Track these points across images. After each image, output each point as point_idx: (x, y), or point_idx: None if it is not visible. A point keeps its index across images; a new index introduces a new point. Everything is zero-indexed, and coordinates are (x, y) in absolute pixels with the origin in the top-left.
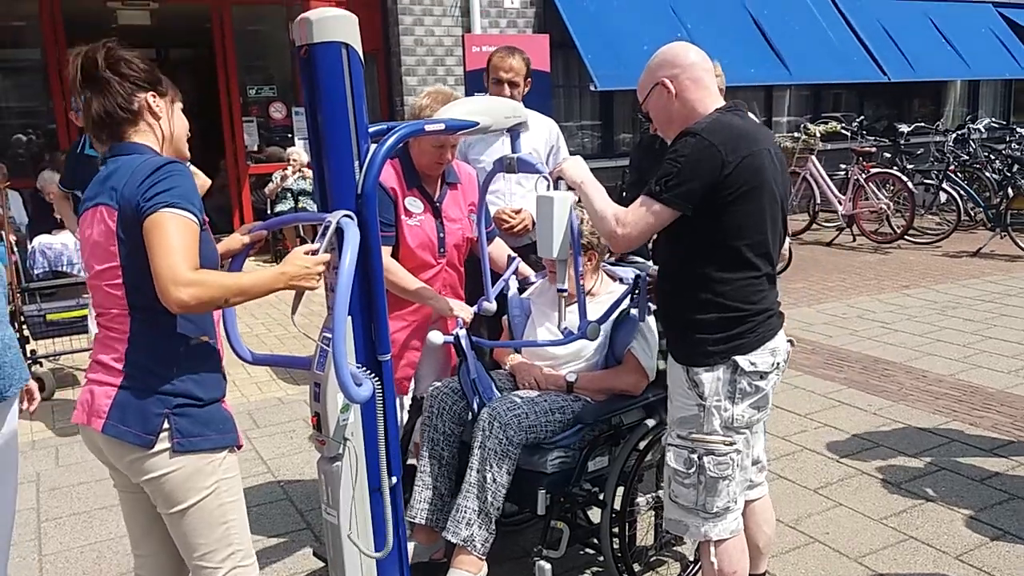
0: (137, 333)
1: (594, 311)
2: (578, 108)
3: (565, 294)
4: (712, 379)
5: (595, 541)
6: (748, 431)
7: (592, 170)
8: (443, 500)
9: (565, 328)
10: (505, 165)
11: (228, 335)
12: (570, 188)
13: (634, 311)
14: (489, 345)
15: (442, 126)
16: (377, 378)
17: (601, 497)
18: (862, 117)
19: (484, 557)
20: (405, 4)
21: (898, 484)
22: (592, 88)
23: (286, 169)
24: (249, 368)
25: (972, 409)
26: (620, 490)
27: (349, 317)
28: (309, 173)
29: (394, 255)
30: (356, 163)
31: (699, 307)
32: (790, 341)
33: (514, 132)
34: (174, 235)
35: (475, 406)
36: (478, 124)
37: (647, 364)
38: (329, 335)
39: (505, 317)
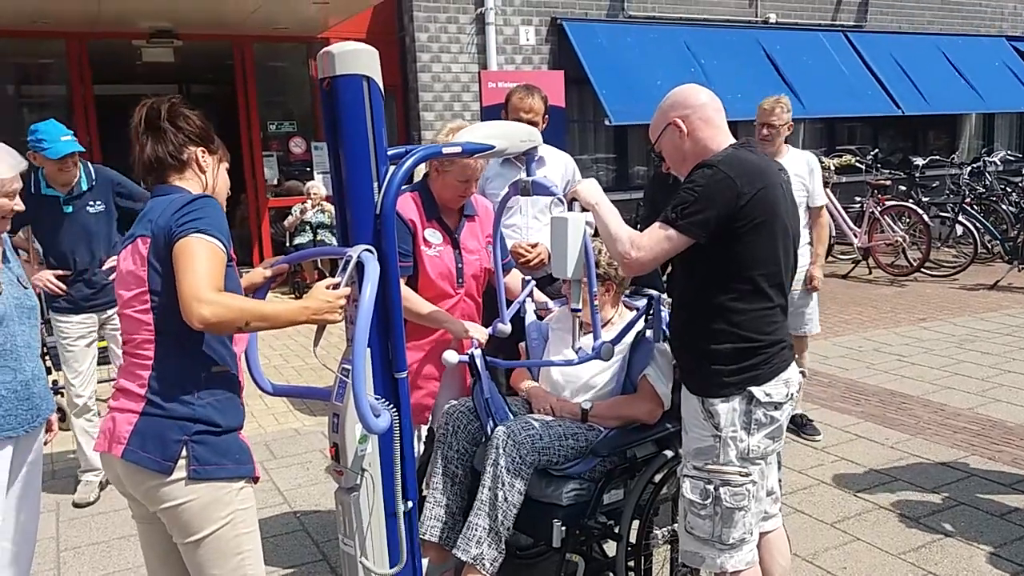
0: (162, 358)
1: (610, 336)
2: (592, 142)
3: (579, 314)
4: (728, 410)
5: (611, 575)
6: (763, 462)
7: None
8: (454, 518)
9: (579, 348)
10: (520, 188)
11: (249, 366)
12: (584, 209)
13: (649, 332)
14: (504, 365)
15: (459, 149)
16: (394, 407)
17: (617, 530)
18: (876, 150)
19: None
20: (423, 41)
21: (916, 519)
22: (607, 123)
23: (305, 203)
24: (267, 399)
25: (991, 443)
26: (635, 523)
27: (368, 349)
28: (328, 207)
29: (412, 285)
30: (375, 184)
31: (714, 337)
32: (801, 372)
33: (529, 156)
34: (201, 258)
35: (488, 427)
36: (494, 147)
37: (662, 391)
38: (348, 366)
39: (522, 344)
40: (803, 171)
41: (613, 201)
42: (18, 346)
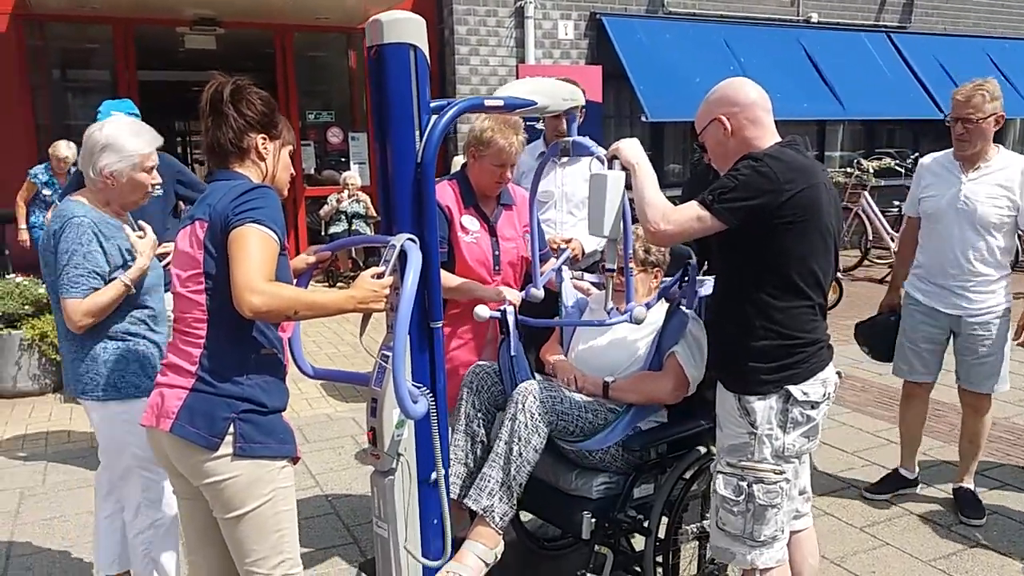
0: (212, 338)
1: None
2: (629, 138)
3: (613, 274)
4: (764, 408)
5: (638, 569)
6: (797, 460)
7: None
8: (473, 477)
9: (611, 308)
10: (560, 148)
11: (292, 350)
12: (624, 168)
13: (683, 305)
14: (535, 324)
15: (501, 103)
16: (431, 393)
17: (646, 525)
18: (916, 154)
19: (502, 532)
20: (461, 34)
21: (948, 526)
22: (643, 119)
23: (341, 192)
24: (300, 384)
25: None
26: (664, 519)
27: (408, 336)
28: (364, 196)
29: (449, 271)
30: (416, 132)
31: (754, 335)
32: (838, 373)
33: (570, 116)
34: (255, 247)
35: (510, 389)
36: (536, 103)
37: (690, 372)
38: (388, 353)
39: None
40: (1014, 180)
41: None
42: (161, 312)
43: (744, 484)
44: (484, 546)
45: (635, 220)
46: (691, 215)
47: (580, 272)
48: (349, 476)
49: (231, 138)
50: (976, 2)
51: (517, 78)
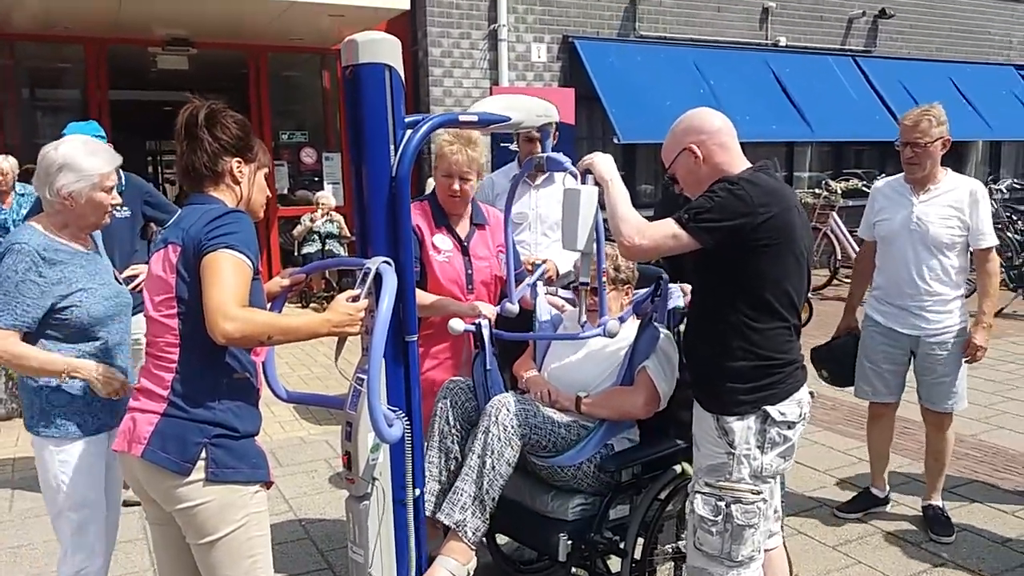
0: (184, 363)
1: (617, 337)
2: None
3: (587, 288)
4: (743, 428)
5: None
6: (773, 480)
7: None
8: (446, 493)
9: (584, 323)
10: (535, 164)
11: (266, 373)
12: (597, 184)
13: (656, 322)
14: (509, 337)
15: (475, 118)
16: (405, 415)
17: (622, 546)
18: (883, 174)
19: (474, 547)
20: (435, 56)
21: (918, 544)
22: (615, 141)
23: (314, 212)
24: (273, 408)
25: (993, 470)
26: (640, 539)
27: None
28: (337, 217)
29: (422, 290)
30: (391, 147)
31: (731, 355)
32: (811, 393)
33: (544, 132)
34: (228, 272)
35: (484, 403)
36: (510, 119)
37: (660, 387)
38: (363, 376)
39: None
40: (963, 202)
41: None
42: (118, 342)
43: (722, 504)
44: (456, 561)
45: (609, 238)
46: (667, 232)
47: (555, 288)
48: (323, 500)
49: (205, 162)
50: (939, 28)
51: None
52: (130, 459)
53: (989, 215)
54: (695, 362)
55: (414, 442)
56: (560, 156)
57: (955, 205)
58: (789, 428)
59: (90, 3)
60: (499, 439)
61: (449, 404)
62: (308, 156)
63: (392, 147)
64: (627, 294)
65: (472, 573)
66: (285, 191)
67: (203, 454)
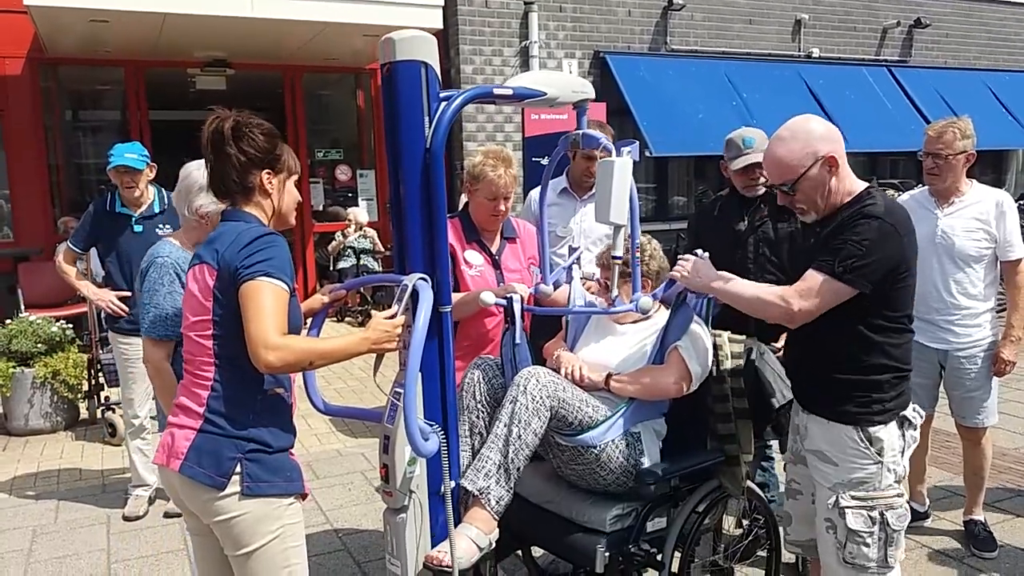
0: (219, 381)
1: (647, 326)
2: (633, 172)
3: (620, 262)
4: (889, 435)
5: None
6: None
7: (646, 232)
8: (469, 467)
9: (616, 297)
10: (571, 142)
11: (307, 386)
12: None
13: (691, 297)
14: (540, 312)
15: (510, 91)
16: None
17: (659, 558)
18: (920, 185)
19: (497, 517)
20: (468, 73)
21: (960, 559)
22: (647, 154)
23: (347, 228)
24: (309, 420)
25: None
26: (678, 553)
27: (420, 373)
28: (371, 232)
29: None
30: (426, 119)
31: (873, 369)
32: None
33: (580, 109)
34: (267, 302)
35: (512, 378)
36: (546, 94)
37: (692, 366)
38: (400, 390)
39: (565, 319)
40: (989, 213)
41: (653, 231)
42: None
43: (875, 514)
44: (478, 530)
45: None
46: (825, 288)
47: (591, 273)
48: (359, 512)
49: (235, 177)
50: (976, 36)
51: (523, 116)
52: (169, 473)
53: (1017, 226)
54: (826, 379)
55: (448, 413)
56: (596, 133)
57: (980, 217)
58: (914, 428)
59: (133, 28)
60: (527, 408)
61: (477, 379)
62: (343, 173)
63: (427, 118)
64: (653, 285)
65: (493, 544)
66: (320, 208)
67: (238, 468)
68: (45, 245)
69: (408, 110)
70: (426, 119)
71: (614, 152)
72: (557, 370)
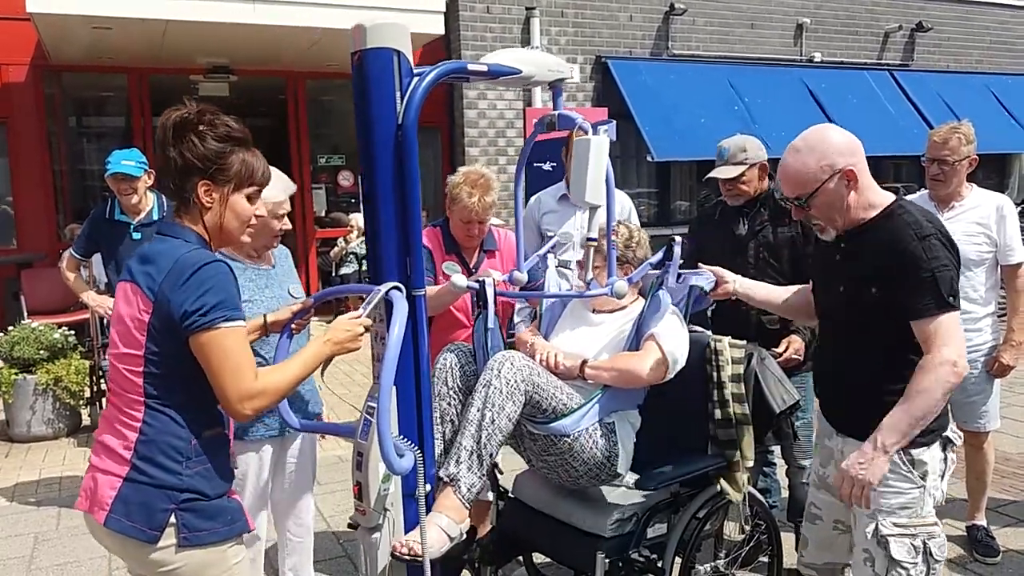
0: (149, 424)
1: (622, 315)
2: (635, 177)
3: (595, 244)
4: (932, 457)
5: None
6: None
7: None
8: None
9: (590, 280)
10: (546, 124)
11: (279, 408)
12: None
13: (661, 292)
14: (513, 296)
15: (485, 68)
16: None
17: (659, 565)
18: (922, 189)
19: (469, 507)
20: None
21: (963, 564)
22: (649, 159)
23: (349, 234)
24: None
25: None
26: (678, 559)
27: (394, 387)
28: None
29: (431, 317)
30: (397, 94)
31: None
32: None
33: (556, 89)
34: (232, 351)
35: (484, 363)
36: (521, 72)
37: (668, 351)
38: (374, 405)
39: (538, 309)
40: (989, 218)
41: (655, 236)
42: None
43: (918, 543)
44: (449, 519)
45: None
46: (956, 326)
47: (567, 261)
48: None
49: (172, 183)
50: (978, 40)
51: (524, 121)
52: (94, 523)
53: (1018, 230)
54: (866, 399)
55: (423, 407)
56: (572, 113)
57: (981, 221)
58: (954, 449)
59: (135, 34)
60: (501, 392)
61: (448, 365)
62: (345, 179)
63: (398, 94)
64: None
65: (465, 535)
66: (323, 214)
67: (172, 519)
68: (48, 251)
69: (379, 99)
70: (398, 102)
71: (590, 131)
72: (532, 357)
